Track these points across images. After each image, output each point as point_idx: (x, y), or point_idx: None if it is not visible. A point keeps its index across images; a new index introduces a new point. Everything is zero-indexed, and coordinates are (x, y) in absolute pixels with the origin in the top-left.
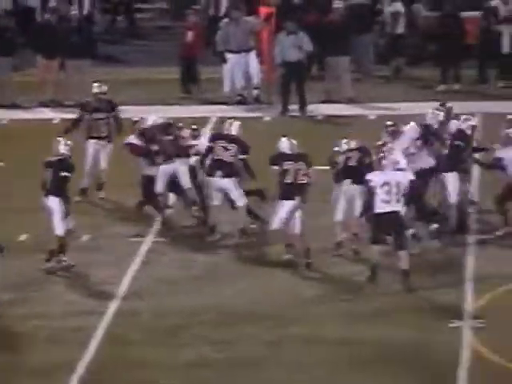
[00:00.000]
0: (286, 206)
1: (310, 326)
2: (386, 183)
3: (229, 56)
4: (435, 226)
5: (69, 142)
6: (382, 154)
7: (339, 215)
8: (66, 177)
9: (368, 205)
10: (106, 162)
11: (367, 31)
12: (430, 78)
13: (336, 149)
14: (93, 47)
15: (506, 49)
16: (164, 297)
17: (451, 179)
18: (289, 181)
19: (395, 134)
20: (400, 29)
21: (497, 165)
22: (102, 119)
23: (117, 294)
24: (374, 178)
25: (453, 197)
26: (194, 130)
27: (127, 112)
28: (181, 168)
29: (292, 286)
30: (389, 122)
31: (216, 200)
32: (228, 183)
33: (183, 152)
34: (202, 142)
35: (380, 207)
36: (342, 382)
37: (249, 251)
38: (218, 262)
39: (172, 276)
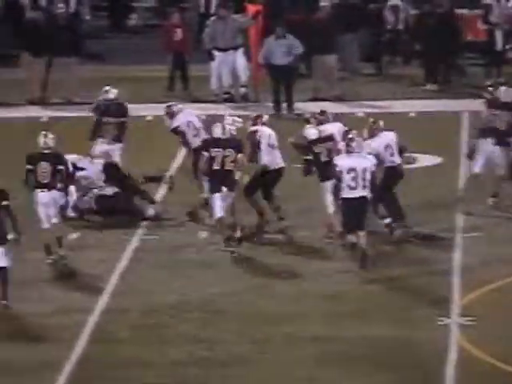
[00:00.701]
0: (218, 197)
1: (295, 324)
2: (351, 169)
3: (216, 54)
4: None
5: (53, 136)
6: (350, 137)
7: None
8: (61, 170)
9: (336, 189)
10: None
11: (354, 29)
12: (420, 75)
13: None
14: (80, 45)
15: (499, 46)
16: (152, 294)
17: None
18: (216, 167)
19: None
20: (400, 24)
21: None
22: (111, 123)
23: (105, 291)
24: (340, 162)
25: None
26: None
27: None
28: None
29: (277, 284)
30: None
31: None
32: None
33: None
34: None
35: (347, 193)
36: (328, 380)
37: (238, 249)
38: (206, 259)
39: (160, 273)
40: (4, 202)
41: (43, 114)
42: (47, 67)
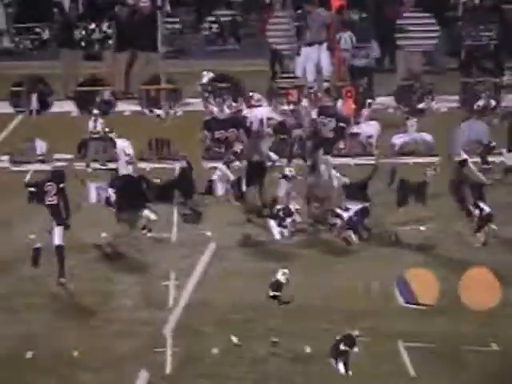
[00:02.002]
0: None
1: (379, 320)
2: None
3: (302, 48)
4: None
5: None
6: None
7: None
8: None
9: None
10: None
11: (438, 24)
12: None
13: None
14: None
15: None
16: (235, 289)
17: None
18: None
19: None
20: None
21: None
22: None
23: (188, 286)
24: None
25: None
26: None
27: (197, 105)
28: None
29: (362, 279)
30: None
31: None
32: None
33: None
34: None
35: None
36: (414, 376)
37: (320, 246)
38: (290, 254)
39: (244, 269)
40: (61, 185)
41: (126, 108)
42: (130, 61)
